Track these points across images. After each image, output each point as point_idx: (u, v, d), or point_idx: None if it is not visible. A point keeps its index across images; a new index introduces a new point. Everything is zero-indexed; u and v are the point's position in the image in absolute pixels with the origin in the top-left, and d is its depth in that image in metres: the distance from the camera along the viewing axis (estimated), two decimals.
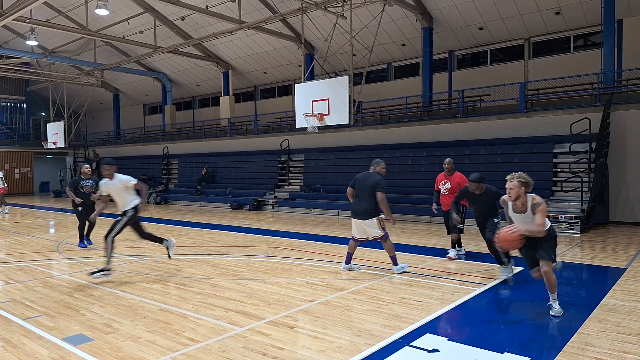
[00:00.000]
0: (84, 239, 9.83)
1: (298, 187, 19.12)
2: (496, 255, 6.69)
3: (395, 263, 7.02)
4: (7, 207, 18.05)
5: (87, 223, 9.63)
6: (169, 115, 28.34)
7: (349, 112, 13.94)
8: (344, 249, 7.75)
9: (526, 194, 4.90)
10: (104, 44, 24.93)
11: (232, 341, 4.32)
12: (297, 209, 17.38)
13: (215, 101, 28.04)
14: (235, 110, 25.52)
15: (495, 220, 6.79)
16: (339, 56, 16.27)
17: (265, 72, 25.04)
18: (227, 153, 23.27)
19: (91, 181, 9.49)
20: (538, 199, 4.88)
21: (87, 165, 9.70)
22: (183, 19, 21.17)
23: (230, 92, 25.08)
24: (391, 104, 18.94)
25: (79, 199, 9.37)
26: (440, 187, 8.40)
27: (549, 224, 5.03)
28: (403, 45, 19.86)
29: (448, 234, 8.46)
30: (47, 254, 9.09)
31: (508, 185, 4.88)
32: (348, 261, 7.17)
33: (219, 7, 19.06)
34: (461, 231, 8.20)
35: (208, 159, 23.77)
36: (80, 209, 9.49)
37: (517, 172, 4.96)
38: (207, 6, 18.38)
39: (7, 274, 7.36)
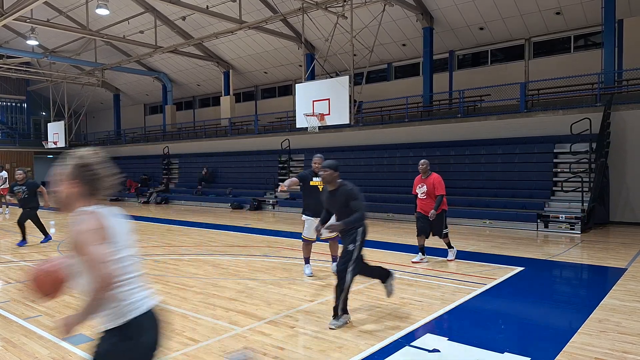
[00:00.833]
0: (48, 237, 10.35)
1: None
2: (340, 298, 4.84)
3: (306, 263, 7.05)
4: (8, 207, 18.07)
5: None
6: (170, 115, 28.34)
7: (350, 112, 13.94)
8: None
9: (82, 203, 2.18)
10: (105, 43, 24.93)
11: (233, 341, 4.32)
12: (298, 208, 17.31)
13: (215, 101, 28.04)
14: (236, 110, 25.51)
15: (351, 247, 4.84)
16: (340, 56, 16.27)
17: (265, 72, 25.03)
18: (228, 153, 23.27)
19: (24, 187, 9.87)
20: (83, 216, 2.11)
21: (20, 172, 10.01)
22: (184, 18, 21.18)
23: (231, 92, 25.08)
24: (391, 104, 18.94)
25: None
26: (417, 190, 7.77)
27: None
28: (403, 45, 19.86)
29: (417, 235, 7.92)
30: (48, 253, 9.10)
31: None
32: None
33: (220, 7, 19.06)
34: (427, 235, 7.79)
35: (208, 159, 23.77)
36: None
37: None
38: (207, 6, 18.38)
39: (7, 273, 7.37)
